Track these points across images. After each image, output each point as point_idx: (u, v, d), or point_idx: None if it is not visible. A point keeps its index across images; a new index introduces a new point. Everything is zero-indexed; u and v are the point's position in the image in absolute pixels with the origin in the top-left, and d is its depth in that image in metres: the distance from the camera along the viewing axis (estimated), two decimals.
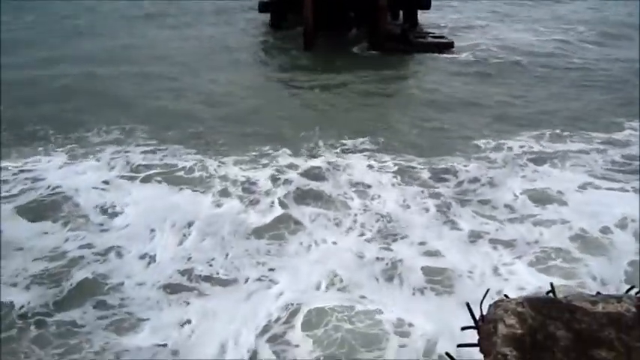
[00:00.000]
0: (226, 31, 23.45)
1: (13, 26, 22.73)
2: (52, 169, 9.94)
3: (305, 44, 19.72)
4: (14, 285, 7.20)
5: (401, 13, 24.35)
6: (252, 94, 14.81)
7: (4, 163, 10.31)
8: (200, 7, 28.17)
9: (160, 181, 9.48)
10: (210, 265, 7.41)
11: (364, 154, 10.79)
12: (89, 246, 7.67)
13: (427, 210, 8.96)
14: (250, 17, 25.89)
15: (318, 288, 7.02)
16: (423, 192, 9.49)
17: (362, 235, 8.19)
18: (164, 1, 28.32)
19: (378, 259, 7.57)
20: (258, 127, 12.10)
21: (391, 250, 7.80)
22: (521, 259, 7.57)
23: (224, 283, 7.17)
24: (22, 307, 6.81)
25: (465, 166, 10.39)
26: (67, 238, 7.89)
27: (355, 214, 8.73)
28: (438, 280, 7.16)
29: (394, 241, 8.07)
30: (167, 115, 12.85)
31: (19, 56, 17.78)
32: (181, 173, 9.78)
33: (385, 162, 10.40)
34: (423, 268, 7.36)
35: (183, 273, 7.26)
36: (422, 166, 10.33)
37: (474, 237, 8.15)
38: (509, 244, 7.93)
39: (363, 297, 6.77)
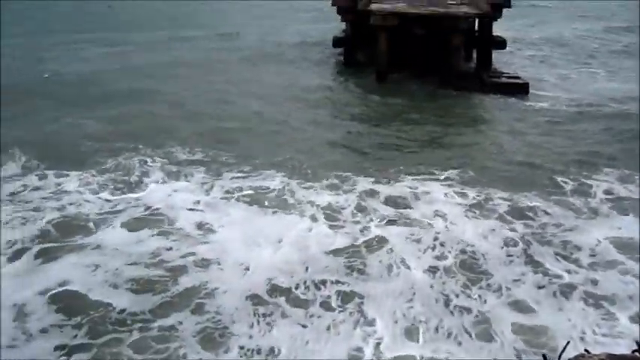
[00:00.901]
0: (301, 64, 24.46)
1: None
2: (146, 187, 10.95)
3: (377, 78, 20.44)
4: (115, 287, 7.91)
5: (474, 52, 24.79)
6: (327, 126, 15.53)
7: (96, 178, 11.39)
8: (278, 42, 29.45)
9: (250, 203, 10.22)
10: (297, 287, 7.89)
11: (443, 183, 11.28)
12: (188, 255, 8.40)
13: (507, 246, 9.14)
14: (325, 52, 26.97)
15: (404, 333, 7.14)
16: (502, 227, 9.72)
17: (444, 269, 8.44)
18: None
19: (463, 308, 7.62)
20: (338, 156, 12.83)
21: (476, 297, 7.88)
22: (621, 314, 7.41)
23: (309, 304, 7.60)
24: (124, 310, 7.50)
25: (545, 204, 10.58)
26: (166, 247, 8.65)
27: (435, 245, 9.06)
28: (536, 343, 6.96)
29: (478, 281, 8.21)
30: (249, 141, 13.76)
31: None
32: (270, 196, 10.52)
33: (465, 193, 10.83)
34: (513, 325, 7.25)
35: (272, 289, 7.77)
36: (501, 201, 10.62)
37: (564, 287, 8.10)
38: (604, 298, 7.81)
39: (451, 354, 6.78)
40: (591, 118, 16.47)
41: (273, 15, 51.41)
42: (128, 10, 52.41)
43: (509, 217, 10.08)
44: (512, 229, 9.66)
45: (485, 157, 13.08)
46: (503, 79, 20.49)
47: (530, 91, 19.59)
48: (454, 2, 24.03)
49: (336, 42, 24.82)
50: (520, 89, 19.61)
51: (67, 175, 11.54)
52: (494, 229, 9.64)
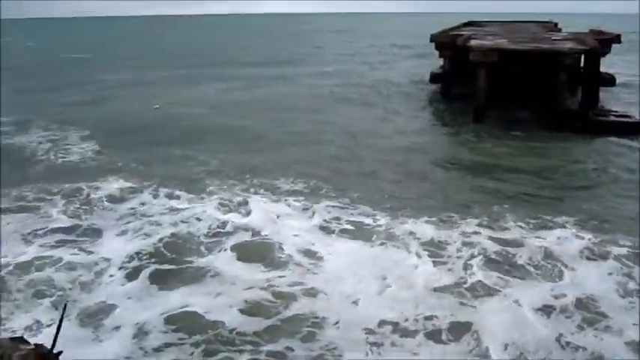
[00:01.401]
0: (397, 101, 24.87)
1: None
2: (251, 211, 11.55)
3: (475, 118, 20.10)
4: (230, 307, 8.29)
5: (579, 90, 24.14)
6: (424, 163, 15.52)
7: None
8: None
9: (354, 235, 10.45)
10: (406, 319, 7.87)
11: (554, 228, 10.89)
12: (297, 284, 8.65)
13: (626, 291, 8.72)
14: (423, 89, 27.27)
15: None
16: (621, 270, 9.31)
17: (560, 308, 8.20)
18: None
19: (578, 346, 7.35)
20: (440, 195, 12.77)
21: (591, 336, 7.58)
22: None
23: (419, 334, 7.56)
24: (234, 329, 7.81)
25: None
26: (278, 275, 8.98)
27: (549, 284, 8.86)
28: None
29: (595, 322, 7.93)
30: (346, 175, 14.14)
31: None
32: (374, 229, 10.70)
33: (581, 236, 10.41)
34: None
35: (381, 323, 7.79)
36: (619, 247, 10.12)
37: None
38: None
39: None
40: None
41: (366, 51, 52.78)
42: (222, 47, 55.45)
43: (629, 262, 9.62)
44: (631, 275, 9.22)
45: (597, 204, 12.46)
46: (612, 118, 19.75)
47: None
48: (559, 38, 23.71)
49: (434, 78, 25.22)
50: (631, 129, 18.71)
51: (178, 197, 12.44)
52: (611, 273, 9.27)
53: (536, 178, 14.18)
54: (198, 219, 11.24)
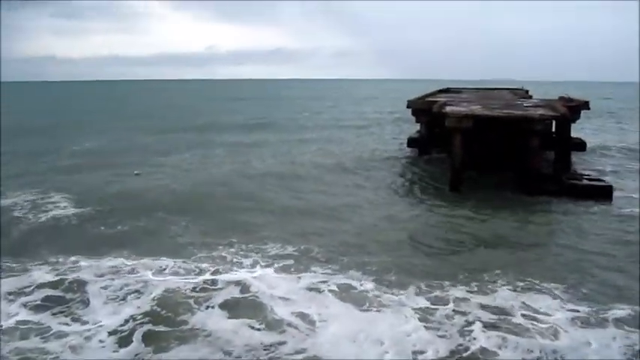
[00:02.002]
0: (377, 167, 25.33)
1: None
2: (242, 275, 11.83)
3: (451, 185, 20.52)
4: None
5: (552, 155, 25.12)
6: (401, 230, 15.71)
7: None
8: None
9: (344, 299, 10.71)
10: None
11: (542, 294, 11.20)
12: (297, 352, 8.86)
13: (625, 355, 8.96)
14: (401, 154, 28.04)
15: None
16: (622, 335, 9.50)
17: None
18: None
19: None
20: (420, 260, 13.02)
21: None
22: None
23: None
24: None
25: None
26: (279, 341, 9.18)
27: (541, 351, 8.99)
28: None
29: None
30: (331, 241, 14.37)
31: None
32: (363, 294, 10.97)
33: (570, 303, 10.72)
34: None
35: None
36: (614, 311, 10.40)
37: None
38: None
39: None
40: None
41: (347, 117, 54.14)
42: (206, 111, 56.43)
43: (628, 327, 9.83)
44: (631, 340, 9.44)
45: (578, 267, 12.72)
46: (585, 182, 20.39)
47: (616, 194, 19.30)
48: (530, 104, 24.93)
49: (411, 142, 26.04)
50: (602, 193, 19.38)
51: (163, 268, 12.48)
52: (615, 337, 9.46)
53: (518, 242, 14.53)
54: (186, 282, 11.43)
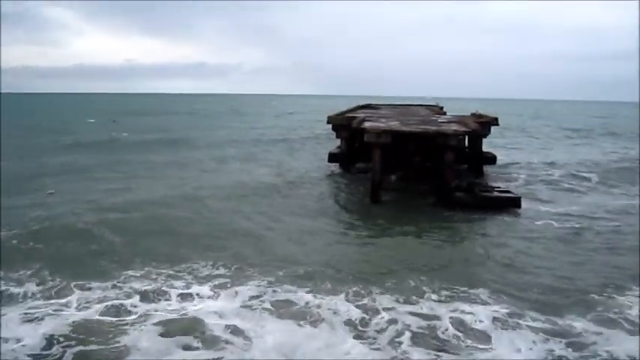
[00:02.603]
0: (298, 182, 25.64)
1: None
2: (175, 293, 11.82)
3: (372, 198, 21.34)
4: None
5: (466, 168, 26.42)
6: (327, 244, 16.11)
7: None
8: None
9: (280, 314, 10.86)
10: None
11: (462, 299, 11.81)
12: None
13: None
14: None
15: None
16: (541, 340, 10.03)
17: None
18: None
19: None
20: (349, 271, 13.34)
21: None
22: None
23: None
24: None
25: (583, 324, 10.78)
26: (212, 357, 9.22)
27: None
28: None
29: None
30: (260, 258, 14.43)
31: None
32: (298, 308, 11.19)
33: (485, 308, 11.33)
34: None
35: None
36: (528, 317, 11.00)
37: None
38: None
39: None
40: (590, 234, 17.24)
41: (268, 132, 54.20)
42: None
43: (544, 335, 10.28)
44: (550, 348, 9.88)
45: (493, 276, 13.35)
46: (496, 194, 21.59)
47: (524, 205, 20.65)
48: (444, 120, 26.09)
49: (332, 157, 26.47)
50: (513, 203, 20.72)
51: (90, 289, 12.19)
52: (534, 342, 9.96)
53: (438, 251, 15.23)
54: (117, 303, 11.32)
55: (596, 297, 11.90)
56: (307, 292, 11.94)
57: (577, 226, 18.16)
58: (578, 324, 10.66)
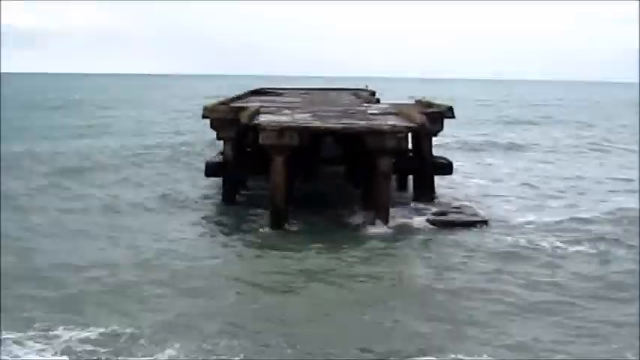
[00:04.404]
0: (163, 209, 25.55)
1: None
2: None
3: (272, 222, 21.17)
4: None
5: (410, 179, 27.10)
6: (217, 287, 16.36)
7: None
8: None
9: None
10: None
11: None
12: None
13: None
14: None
15: None
16: None
17: None
18: None
19: None
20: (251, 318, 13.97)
21: None
22: None
23: None
24: None
25: None
26: None
27: None
28: None
29: None
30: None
31: None
32: None
33: None
34: None
35: None
36: None
37: None
38: None
39: None
40: None
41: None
42: None
43: None
44: None
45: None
46: (452, 217, 22.37)
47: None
48: (377, 111, 26.27)
49: (211, 169, 25.62)
50: (475, 226, 21.68)
51: None
52: None
53: (357, 303, 15.39)
54: None
55: None
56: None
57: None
58: None
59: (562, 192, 29.92)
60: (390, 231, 21.07)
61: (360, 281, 16.78)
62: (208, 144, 40.93)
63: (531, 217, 23.73)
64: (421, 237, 20.77)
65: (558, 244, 20.19)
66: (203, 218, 23.93)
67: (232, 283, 16.86)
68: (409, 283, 17.14)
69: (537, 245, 20.05)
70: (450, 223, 21.97)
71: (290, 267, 17.87)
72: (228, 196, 25.50)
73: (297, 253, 18.84)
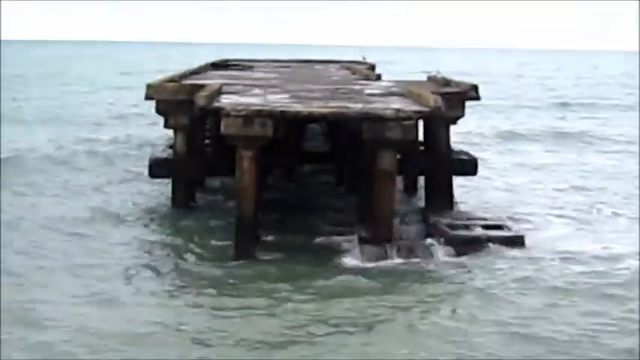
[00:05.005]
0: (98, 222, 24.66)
1: None
2: None
3: (237, 252, 20.20)
4: None
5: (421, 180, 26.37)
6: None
7: None
8: None
9: None
10: None
11: None
12: None
13: None
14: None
15: None
16: None
17: None
18: None
19: None
20: None
21: None
22: None
23: None
24: None
25: None
26: None
27: None
28: None
29: None
30: None
31: None
32: None
33: None
34: None
35: None
36: None
37: None
38: None
39: None
40: None
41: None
42: None
43: None
44: None
45: None
46: (479, 231, 21.65)
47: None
48: (377, 91, 25.18)
49: (156, 167, 25.04)
50: (510, 244, 20.88)
51: None
52: None
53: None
54: None
55: None
56: None
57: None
58: None
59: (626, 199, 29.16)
60: (396, 261, 20.00)
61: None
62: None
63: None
64: (436, 273, 19.66)
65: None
66: (140, 241, 23.08)
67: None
68: None
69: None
70: (476, 240, 21.09)
71: (255, 305, 16.90)
72: (180, 198, 25.20)
73: (265, 293, 17.66)
